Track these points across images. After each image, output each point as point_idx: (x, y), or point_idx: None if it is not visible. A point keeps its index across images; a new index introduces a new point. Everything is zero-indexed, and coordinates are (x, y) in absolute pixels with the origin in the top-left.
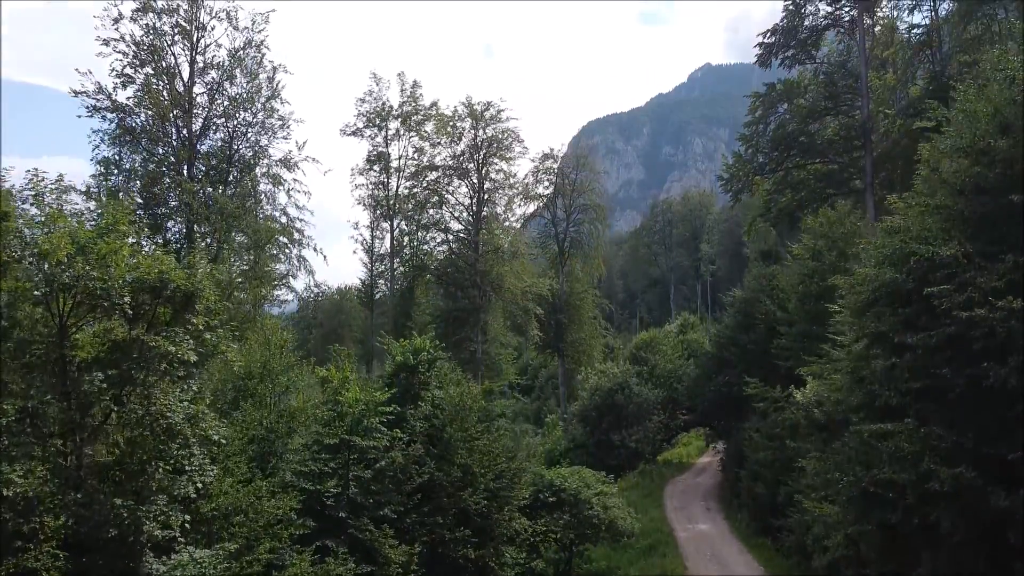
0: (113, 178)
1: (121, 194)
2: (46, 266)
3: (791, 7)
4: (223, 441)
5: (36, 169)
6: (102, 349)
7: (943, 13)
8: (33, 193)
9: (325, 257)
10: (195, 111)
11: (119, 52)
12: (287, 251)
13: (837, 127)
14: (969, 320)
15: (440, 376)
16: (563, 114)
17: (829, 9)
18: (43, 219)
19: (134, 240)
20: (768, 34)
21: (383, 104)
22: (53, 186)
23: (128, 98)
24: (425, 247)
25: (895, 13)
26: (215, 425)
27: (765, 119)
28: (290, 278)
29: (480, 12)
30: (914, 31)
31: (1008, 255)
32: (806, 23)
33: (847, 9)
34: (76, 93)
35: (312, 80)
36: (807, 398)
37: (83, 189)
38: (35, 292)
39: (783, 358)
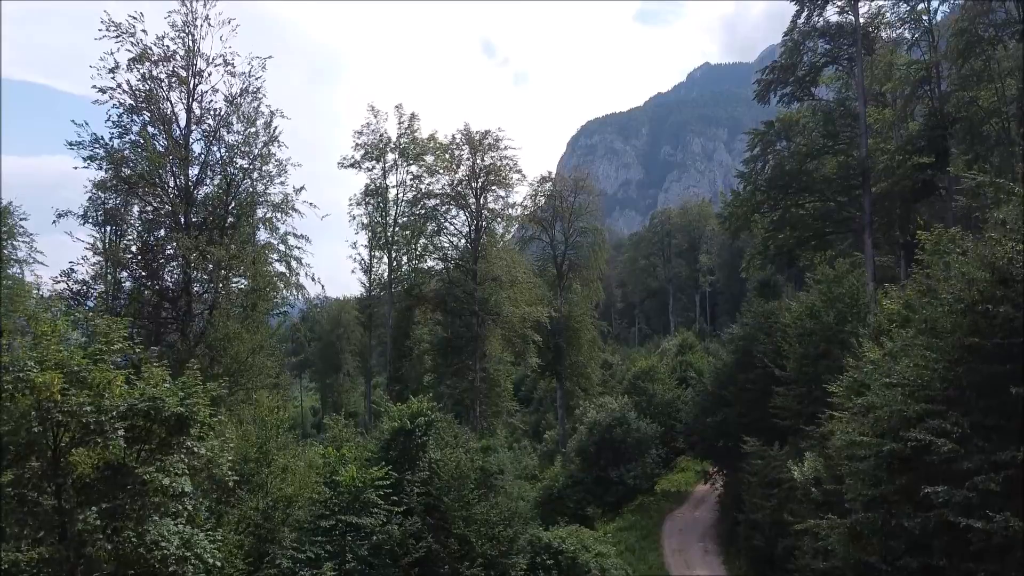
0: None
1: (119, 217)
2: (40, 402)
3: (790, 43)
4: (219, 564)
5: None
6: (96, 472)
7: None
8: (26, 318)
9: (324, 286)
10: (192, 158)
11: (115, 100)
12: (285, 278)
13: (835, 165)
14: (967, 525)
15: (439, 436)
16: (562, 115)
17: (828, 46)
18: (35, 342)
19: (127, 356)
20: (767, 71)
21: (381, 136)
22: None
23: (126, 145)
24: (423, 267)
25: (894, 47)
26: (211, 549)
27: (764, 157)
28: (288, 307)
29: (480, 13)
30: (913, 67)
31: (1008, 450)
32: (804, 59)
33: (846, 46)
34: (71, 144)
35: (310, 76)
36: (805, 476)
37: (80, 213)
38: (31, 429)
39: (781, 417)
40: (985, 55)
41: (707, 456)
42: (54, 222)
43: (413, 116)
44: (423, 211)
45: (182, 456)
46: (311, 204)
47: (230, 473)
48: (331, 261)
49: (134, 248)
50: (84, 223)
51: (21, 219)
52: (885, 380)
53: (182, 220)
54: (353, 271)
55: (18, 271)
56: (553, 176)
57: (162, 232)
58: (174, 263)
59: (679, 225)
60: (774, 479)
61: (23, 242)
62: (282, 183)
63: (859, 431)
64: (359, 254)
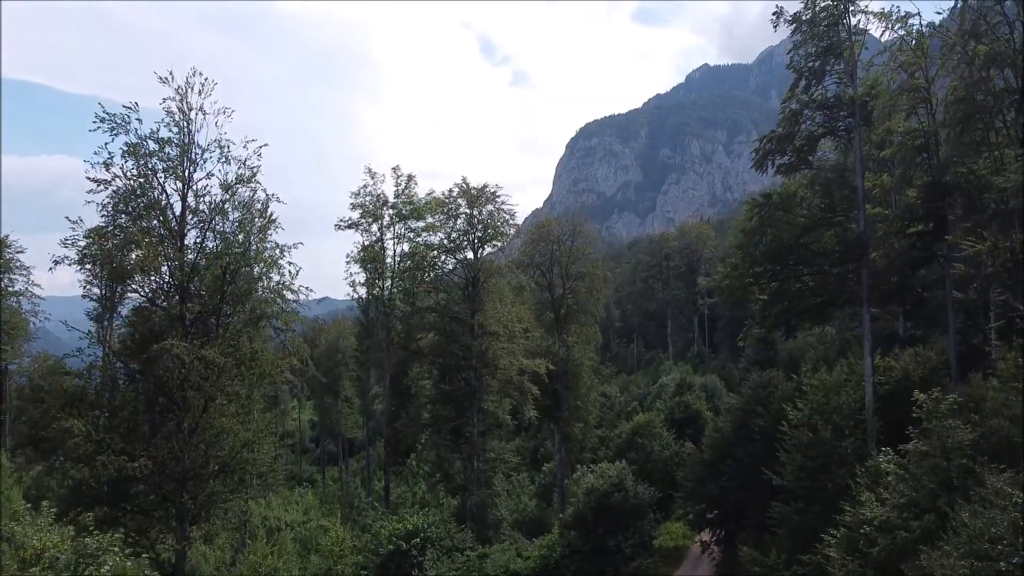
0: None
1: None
2: None
3: (788, 113)
4: None
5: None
6: None
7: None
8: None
9: (317, 334)
10: (186, 246)
11: (111, 190)
12: (280, 333)
13: (834, 237)
14: None
15: (436, 544)
16: (562, 116)
17: (825, 117)
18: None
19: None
20: (765, 140)
21: (378, 197)
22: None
23: (119, 239)
24: (419, 320)
25: (893, 101)
26: None
27: (762, 229)
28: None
29: (479, 12)
30: (910, 134)
31: None
32: (803, 128)
33: (843, 116)
34: (64, 242)
35: (311, 74)
36: None
37: (76, 258)
38: None
39: (778, 524)
40: (984, 123)
41: (705, 526)
42: (50, 269)
43: (410, 178)
44: (422, 263)
45: None
46: (307, 288)
47: None
48: (326, 264)
49: (129, 341)
50: (80, 268)
51: (18, 251)
52: None
53: (177, 313)
54: (351, 308)
55: (15, 303)
56: (551, 220)
57: (156, 320)
58: (168, 354)
59: (677, 248)
60: None
61: (20, 275)
62: (278, 271)
63: None
64: (356, 292)
